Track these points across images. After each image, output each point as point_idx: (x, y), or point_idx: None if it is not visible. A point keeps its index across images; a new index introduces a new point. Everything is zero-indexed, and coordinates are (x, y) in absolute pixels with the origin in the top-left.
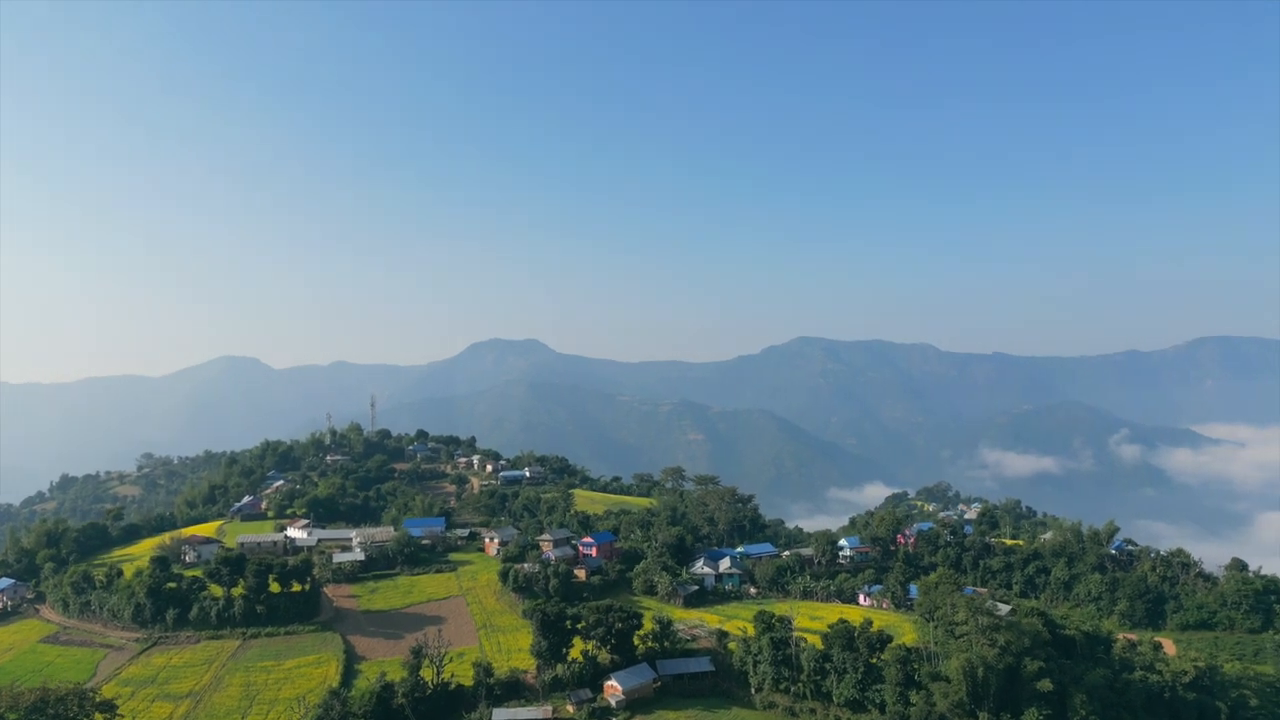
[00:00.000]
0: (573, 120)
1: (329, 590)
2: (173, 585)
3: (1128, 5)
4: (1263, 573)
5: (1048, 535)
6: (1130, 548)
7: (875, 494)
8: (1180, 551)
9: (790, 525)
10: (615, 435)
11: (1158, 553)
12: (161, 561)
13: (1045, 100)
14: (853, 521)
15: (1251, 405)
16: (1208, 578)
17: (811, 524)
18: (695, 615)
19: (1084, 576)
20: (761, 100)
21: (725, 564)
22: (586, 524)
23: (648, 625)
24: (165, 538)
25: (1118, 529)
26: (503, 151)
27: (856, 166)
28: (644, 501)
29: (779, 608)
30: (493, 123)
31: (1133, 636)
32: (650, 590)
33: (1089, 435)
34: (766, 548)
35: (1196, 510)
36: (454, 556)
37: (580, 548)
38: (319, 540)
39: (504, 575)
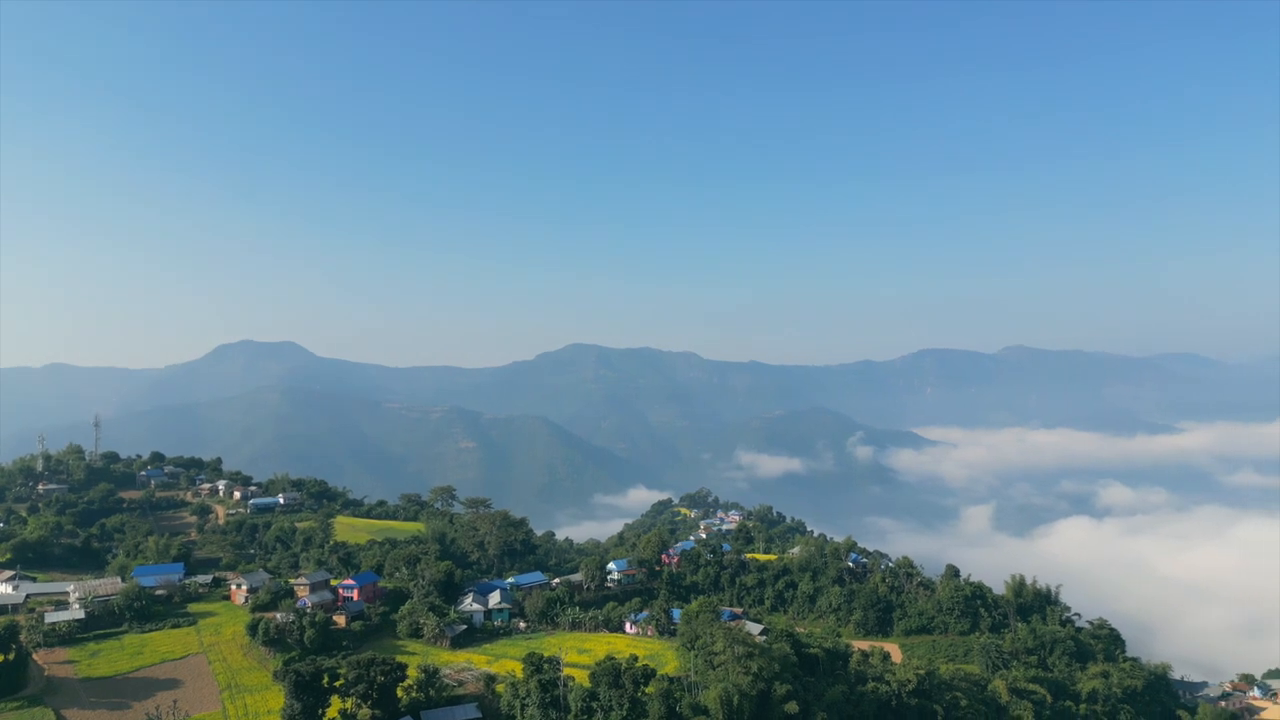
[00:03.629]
0: (320, 108)
1: (40, 656)
2: None
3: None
4: (972, 579)
5: (796, 550)
6: (864, 560)
7: (640, 498)
8: (905, 561)
9: (560, 535)
10: (381, 444)
11: (887, 564)
12: None
13: (792, 136)
14: (622, 538)
15: (962, 410)
16: (927, 585)
17: (580, 531)
18: (463, 657)
19: (826, 589)
20: (535, 102)
21: (495, 598)
22: (348, 559)
23: (412, 674)
24: None
25: (855, 543)
26: (245, 139)
27: (623, 181)
28: (412, 527)
29: (549, 642)
30: (236, 110)
31: (865, 646)
32: (416, 633)
33: (830, 438)
34: (537, 576)
35: (915, 506)
36: (194, 608)
37: (340, 590)
38: (28, 596)
39: (253, 628)
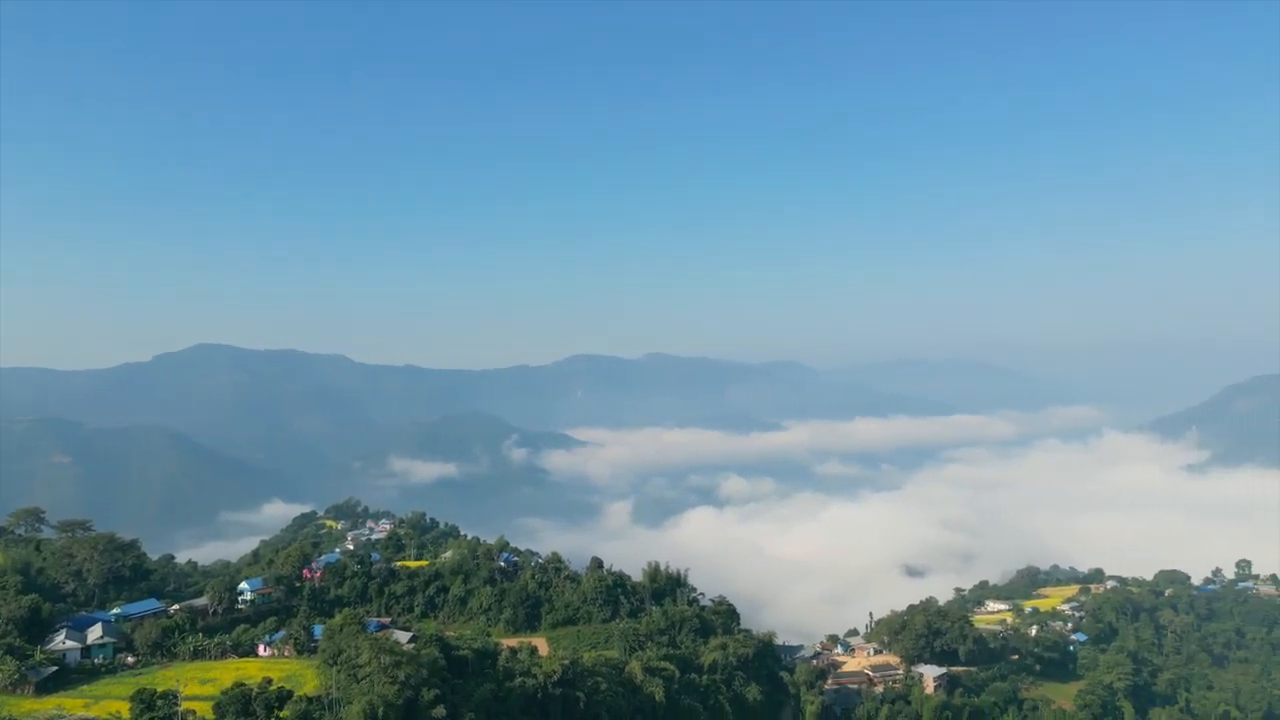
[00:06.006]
0: None
1: None
2: None
3: None
4: (613, 569)
5: (448, 554)
6: (516, 559)
7: (278, 513)
8: (554, 557)
9: (182, 558)
10: None
11: (537, 561)
12: None
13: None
14: (257, 555)
15: (608, 412)
16: (574, 578)
17: (205, 553)
18: (53, 703)
19: (478, 591)
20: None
21: (96, 632)
22: None
23: None
24: None
25: (507, 543)
26: None
27: (255, 167)
28: None
29: (164, 675)
30: None
31: (515, 643)
32: None
33: (486, 442)
34: (151, 604)
35: (564, 504)
36: None
37: None
38: None
39: None
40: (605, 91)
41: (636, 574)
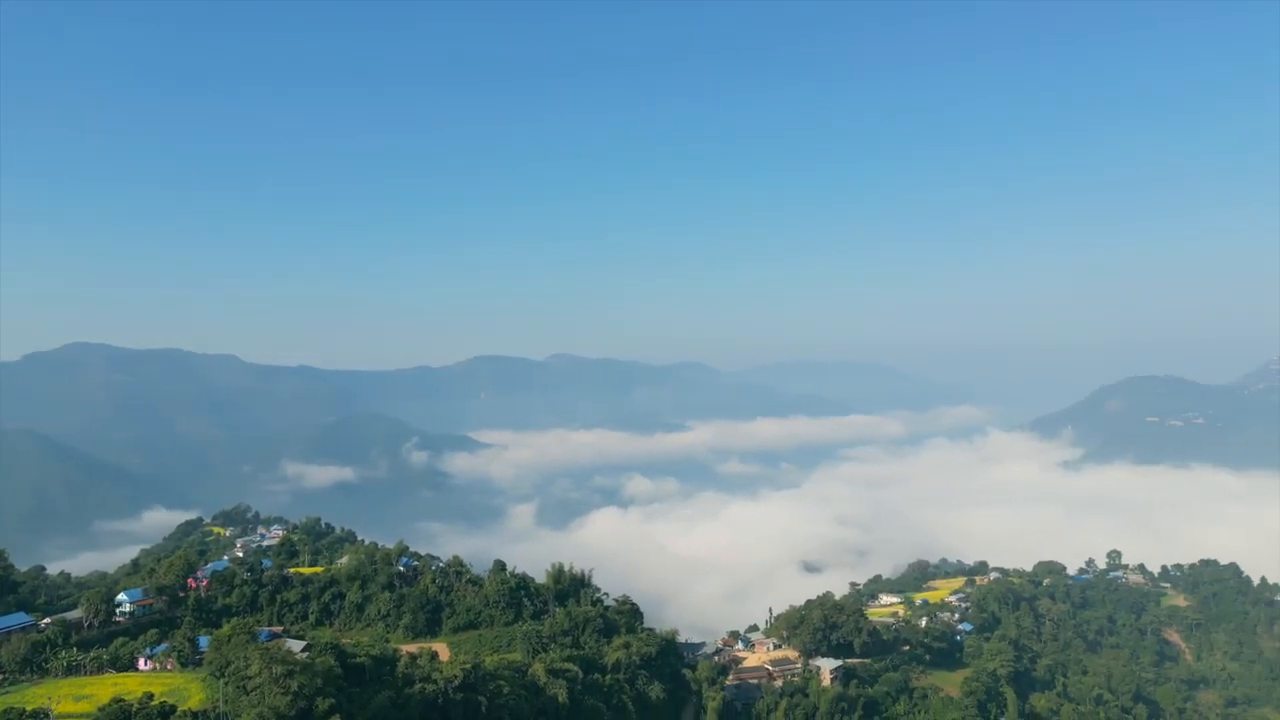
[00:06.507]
0: None
1: None
2: None
3: None
4: (517, 571)
5: (344, 560)
6: (416, 563)
7: (159, 520)
8: (456, 560)
9: (54, 570)
10: None
11: (438, 565)
12: None
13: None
14: (137, 565)
15: (514, 414)
16: (476, 582)
17: (79, 563)
18: None
19: (375, 596)
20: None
21: None
22: None
23: None
24: None
25: (407, 547)
26: None
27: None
28: None
29: (35, 693)
30: None
31: (414, 648)
32: None
33: (385, 445)
34: (20, 618)
35: (466, 507)
36: None
37: None
38: None
39: None
40: (505, 96)
41: (541, 576)
